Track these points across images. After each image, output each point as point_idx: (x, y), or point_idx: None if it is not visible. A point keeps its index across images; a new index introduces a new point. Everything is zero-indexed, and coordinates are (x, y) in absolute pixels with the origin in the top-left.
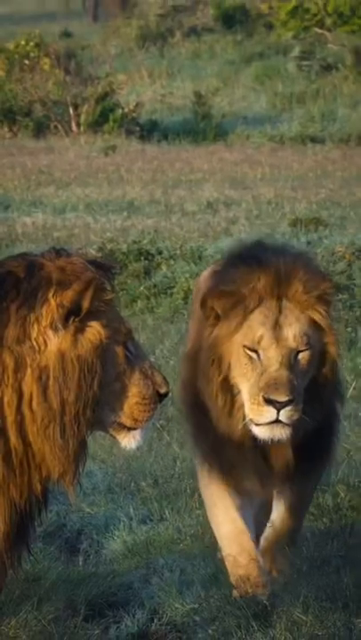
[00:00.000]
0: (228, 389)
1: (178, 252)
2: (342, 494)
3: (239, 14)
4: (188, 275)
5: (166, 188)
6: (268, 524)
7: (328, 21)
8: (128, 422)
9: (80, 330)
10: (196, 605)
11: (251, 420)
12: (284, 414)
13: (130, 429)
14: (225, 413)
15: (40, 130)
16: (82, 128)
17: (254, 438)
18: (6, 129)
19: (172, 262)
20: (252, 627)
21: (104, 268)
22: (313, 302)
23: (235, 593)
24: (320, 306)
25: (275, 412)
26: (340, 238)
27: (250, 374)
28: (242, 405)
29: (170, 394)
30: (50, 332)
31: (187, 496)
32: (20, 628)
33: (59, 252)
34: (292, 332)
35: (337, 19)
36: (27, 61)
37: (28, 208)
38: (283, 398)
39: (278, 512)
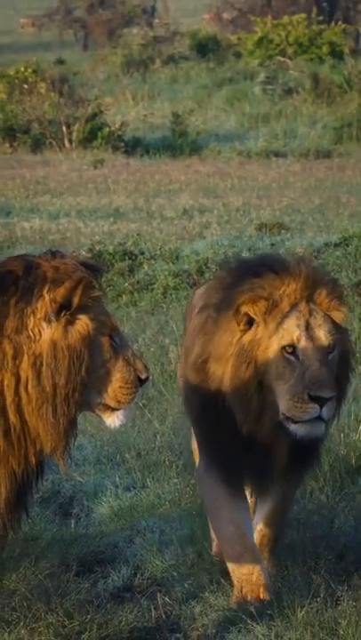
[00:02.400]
0: (263, 392)
1: (158, 252)
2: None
3: (212, 44)
4: (166, 272)
5: (148, 197)
6: (256, 528)
7: (289, 51)
8: (112, 404)
9: (70, 322)
10: (174, 562)
11: (290, 418)
12: (326, 410)
13: (114, 410)
14: (255, 415)
15: (37, 145)
16: (74, 144)
17: (279, 437)
18: (7, 145)
19: (152, 262)
20: (222, 581)
21: (93, 268)
22: (336, 304)
23: (232, 599)
24: (342, 307)
25: (318, 408)
26: (300, 241)
27: (288, 375)
28: (271, 406)
29: (150, 378)
30: (44, 324)
31: (166, 467)
32: (20, 581)
33: (54, 254)
34: (323, 332)
35: (297, 48)
36: (25, 85)
37: (26, 214)
38: (328, 394)
39: (265, 514)
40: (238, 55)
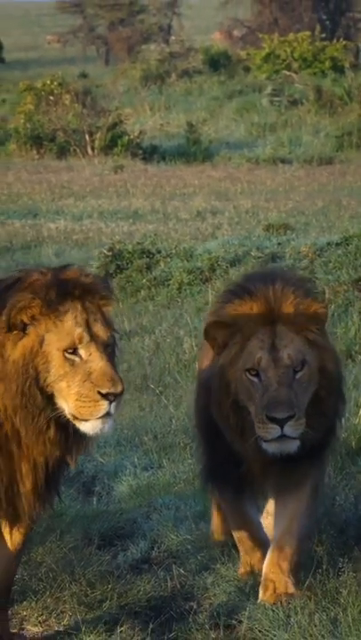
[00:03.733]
0: (239, 411)
1: (173, 251)
2: None
3: (223, 59)
4: (181, 270)
5: (164, 200)
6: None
7: (295, 65)
8: (77, 415)
9: (20, 337)
10: (189, 536)
11: (260, 437)
12: (288, 429)
13: (81, 420)
14: (238, 433)
15: (62, 152)
16: (96, 151)
17: (265, 452)
18: (34, 152)
19: (168, 260)
20: (233, 554)
21: (61, 286)
22: (306, 323)
23: (241, 570)
24: (313, 326)
25: (278, 428)
26: (305, 240)
27: (254, 396)
28: (252, 424)
29: (122, 390)
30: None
31: (180, 448)
32: (46, 554)
33: (65, 267)
34: (288, 352)
35: (302, 63)
36: (51, 97)
37: (52, 216)
38: (283, 415)
39: (285, 519)
40: (247, 69)
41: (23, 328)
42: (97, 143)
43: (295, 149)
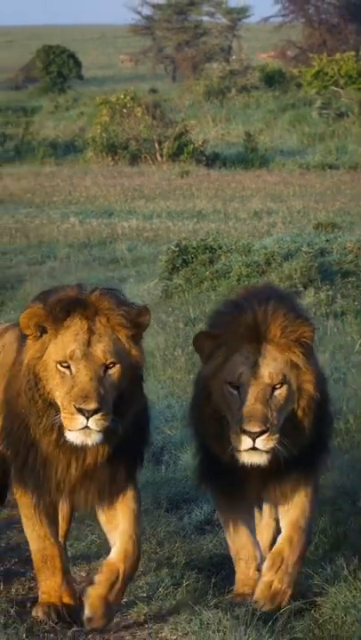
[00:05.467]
0: (218, 420)
1: (233, 247)
2: (351, 421)
3: (277, 76)
4: (240, 263)
5: (225, 201)
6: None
7: (341, 82)
8: (63, 424)
9: (34, 344)
10: None
11: (233, 447)
12: (260, 443)
13: (66, 429)
14: (217, 441)
15: (134, 159)
16: (164, 158)
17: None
18: (109, 159)
19: (229, 254)
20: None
21: (70, 304)
22: (290, 345)
23: (234, 591)
24: (297, 348)
25: (250, 440)
26: (350, 237)
27: (233, 408)
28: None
29: (94, 408)
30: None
31: None
32: None
33: (80, 286)
34: (269, 370)
35: (347, 80)
36: (125, 110)
37: (125, 215)
38: (255, 429)
39: (284, 528)
40: (299, 85)
41: (40, 336)
42: (165, 151)
43: (342, 157)
